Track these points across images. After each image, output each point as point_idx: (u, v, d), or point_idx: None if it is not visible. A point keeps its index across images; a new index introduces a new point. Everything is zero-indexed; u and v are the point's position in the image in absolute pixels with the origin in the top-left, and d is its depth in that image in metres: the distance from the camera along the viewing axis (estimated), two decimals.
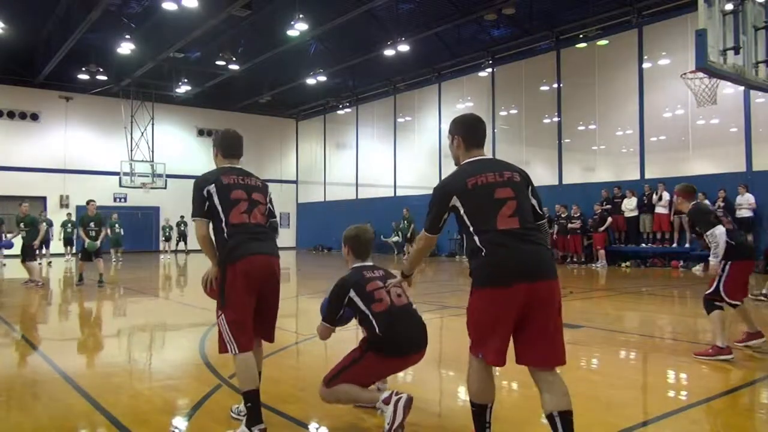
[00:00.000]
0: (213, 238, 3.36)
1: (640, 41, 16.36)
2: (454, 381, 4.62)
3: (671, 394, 4.29)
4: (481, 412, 2.82)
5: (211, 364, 4.94)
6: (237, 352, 3.17)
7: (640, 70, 16.36)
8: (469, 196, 2.76)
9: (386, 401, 3.13)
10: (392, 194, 24.50)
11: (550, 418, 2.68)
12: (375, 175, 25.72)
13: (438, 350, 5.56)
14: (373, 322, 3.32)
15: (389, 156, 24.79)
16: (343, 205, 26.85)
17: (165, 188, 24.70)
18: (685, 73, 10.77)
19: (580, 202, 16.64)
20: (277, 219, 3.64)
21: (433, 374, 4.76)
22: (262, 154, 29.73)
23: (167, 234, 23.11)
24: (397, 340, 3.28)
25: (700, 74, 8.57)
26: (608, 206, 16.07)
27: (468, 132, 2.97)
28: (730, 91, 13.00)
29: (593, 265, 15.69)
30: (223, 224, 3.30)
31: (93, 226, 11.94)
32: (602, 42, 17.64)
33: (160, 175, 24.82)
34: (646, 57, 16.37)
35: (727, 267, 5.07)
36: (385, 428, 3.06)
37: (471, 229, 2.74)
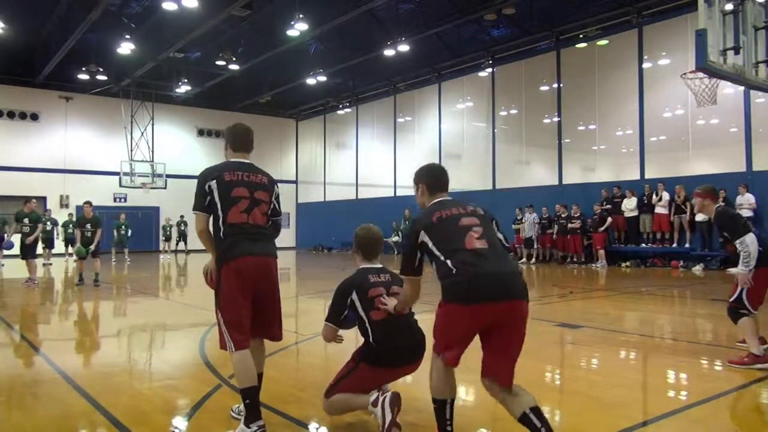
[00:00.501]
0: (212, 233, 3.35)
1: (640, 41, 16.36)
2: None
3: (671, 394, 4.29)
4: (441, 407, 2.89)
5: (211, 364, 4.94)
6: (234, 350, 3.18)
7: (640, 70, 16.36)
8: (435, 228, 2.88)
9: (374, 404, 3.15)
10: (392, 194, 24.50)
11: (523, 417, 2.75)
12: (375, 175, 25.71)
13: None
14: (369, 330, 3.34)
15: (389, 156, 24.78)
16: (343, 205, 26.85)
17: (165, 188, 24.71)
18: (685, 73, 10.78)
19: (580, 202, 16.64)
20: (281, 217, 3.58)
21: None
22: (262, 154, 29.61)
23: (167, 234, 23.12)
24: (390, 350, 3.27)
25: (700, 74, 8.58)
26: (608, 206, 16.07)
27: (431, 180, 3.18)
28: (730, 91, 12.99)
29: (593, 265, 15.69)
30: (221, 222, 3.27)
31: (89, 227, 11.96)
32: (602, 42, 17.64)
33: (160, 175, 24.82)
34: (646, 57, 16.37)
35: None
36: (380, 431, 3.07)
37: (441, 257, 2.81)
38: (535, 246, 17.92)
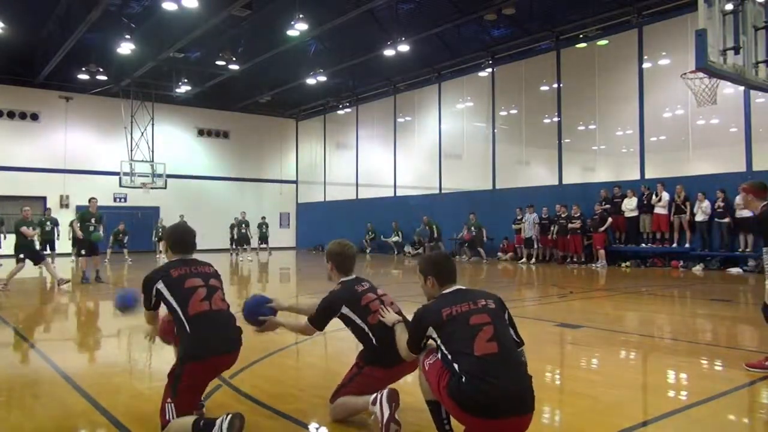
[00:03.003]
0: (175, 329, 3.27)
1: (640, 41, 16.36)
2: None
3: (671, 394, 4.29)
4: (436, 408, 2.90)
5: None
6: (174, 419, 3.07)
7: (640, 70, 16.36)
8: (444, 327, 2.80)
9: (373, 402, 3.17)
10: (392, 194, 24.49)
11: None
12: (375, 176, 25.71)
13: None
14: (369, 334, 3.43)
15: (389, 156, 24.78)
16: (343, 205, 26.86)
17: (165, 188, 24.70)
18: (685, 73, 10.77)
19: (580, 202, 16.63)
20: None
21: None
22: (262, 154, 29.75)
23: (161, 234, 23.16)
24: (393, 350, 3.29)
25: (700, 74, 8.57)
26: (608, 206, 16.06)
27: (439, 271, 3.08)
28: (730, 91, 13.00)
29: (593, 265, 15.68)
30: (182, 315, 3.17)
31: (93, 222, 12.11)
32: (602, 42, 17.65)
33: (160, 175, 24.81)
34: (646, 57, 16.37)
35: None
36: (380, 428, 3.07)
37: (448, 356, 2.74)
38: (536, 246, 17.91)
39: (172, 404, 3.08)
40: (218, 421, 2.85)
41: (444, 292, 3.00)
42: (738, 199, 13.49)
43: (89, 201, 12.51)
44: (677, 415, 3.63)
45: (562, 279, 12.95)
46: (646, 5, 16.19)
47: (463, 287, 3.04)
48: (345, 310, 3.46)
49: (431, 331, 2.83)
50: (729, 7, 5.83)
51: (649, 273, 13.98)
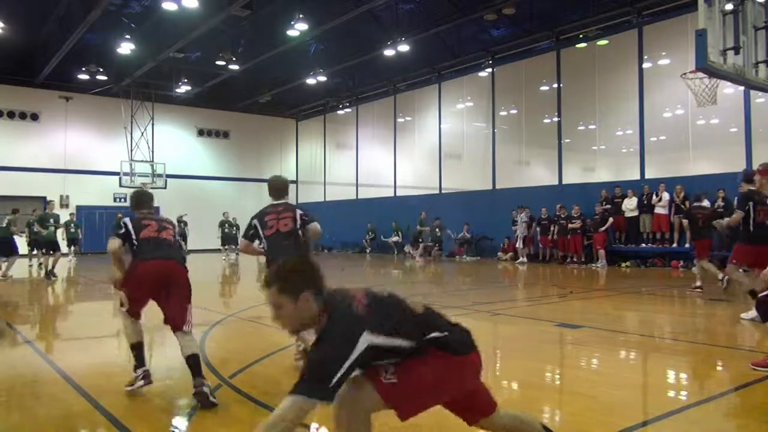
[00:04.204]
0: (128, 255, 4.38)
1: (640, 41, 16.36)
2: None
3: (671, 394, 4.29)
4: None
5: (211, 364, 4.94)
6: (125, 311, 4.27)
7: (640, 70, 16.36)
8: (383, 323, 2.25)
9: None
10: (392, 194, 24.49)
11: None
12: (375, 175, 25.71)
13: None
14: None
15: (389, 156, 24.78)
16: (343, 205, 26.85)
17: (165, 188, 24.70)
18: (685, 73, 10.77)
19: (580, 202, 16.63)
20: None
21: None
22: (262, 154, 29.74)
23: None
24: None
25: (700, 74, 8.57)
26: (608, 206, 16.06)
27: (317, 276, 2.38)
28: (730, 91, 12.99)
29: (593, 265, 15.68)
30: (134, 239, 4.32)
31: (52, 222, 13.70)
32: (602, 42, 17.65)
33: (160, 175, 24.82)
34: (646, 57, 16.37)
35: None
36: None
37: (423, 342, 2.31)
38: (521, 245, 17.98)
39: (122, 293, 4.26)
40: (141, 371, 4.18)
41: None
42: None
43: (47, 203, 14.58)
44: (677, 415, 3.63)
45: (562, 279, 12.94)
46: (646, 5, 16.19)
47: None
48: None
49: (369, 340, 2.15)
50: (729, 7, 5.84)
51: (649, 273, 13.97)
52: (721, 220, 8.10)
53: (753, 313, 6.53)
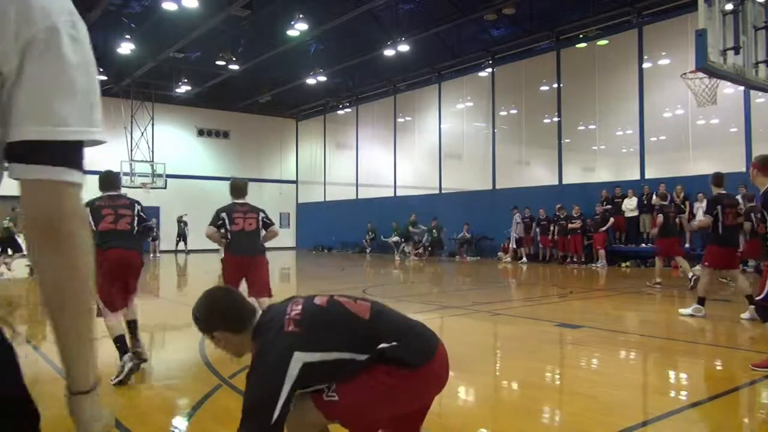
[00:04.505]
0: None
1: (640, 41, 16.36)
2: (454, 381, 4.62)
3: (671, 394, 4.29)
4: None
5: (211, 364, 4.94)
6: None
7: (640, 70, 16.36)
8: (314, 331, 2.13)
9: None
10: (392, 194, 24.49)
11: None
12: (375, 175, 25.72)
13: None
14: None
15: (389, 156, 24.78)
16: (343, 205, 26.85)
17: (165, 188, 24.70)
18: (685, 73, 10.76)
19: (580, 202, 16.63)
20: (149, 222, 5.40)
21: None
22: (261, 154, 29.74)
23: (154, 234, 23.17)
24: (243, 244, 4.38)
25: (700, 74, 8.57)
26: (608, 206, 16.07)
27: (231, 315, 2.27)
28: (730, 91, 12.99)
29: (593, 265, 15.68)
30: (94, 229, 4.68)
31: (8, 220, 14.26)
32: (602, 42, 17.65)
33: (160, 175, 24.81)
34: (646, 57, 16.37)
35: None
36: None
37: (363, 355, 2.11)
38: (512, 245, 18.18)
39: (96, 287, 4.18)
40: (126, 356, 4.42)
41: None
42: (738, 199, 13.50)
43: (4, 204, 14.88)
44: (677, 415, 3.63)
45: (562, 279, 12.94)
46: (646, 5, 16.19)
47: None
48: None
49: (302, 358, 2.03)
50: (729, 7, 5.84)
51: (649, 273, 13.93)
52: (691, 222, 8.57)
53: (689, 310, 7.16)
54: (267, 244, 5.93)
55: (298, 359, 2.02)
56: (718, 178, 7.38)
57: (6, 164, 0.96)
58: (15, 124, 0.91)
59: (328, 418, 2.16)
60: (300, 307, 2.19)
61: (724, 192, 7.27)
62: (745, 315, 6.96)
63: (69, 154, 0.94)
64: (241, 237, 5.63)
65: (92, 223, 4.72)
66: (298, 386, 2.05)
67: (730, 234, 7.04)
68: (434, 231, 20.47)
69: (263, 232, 5.80)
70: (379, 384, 2.10)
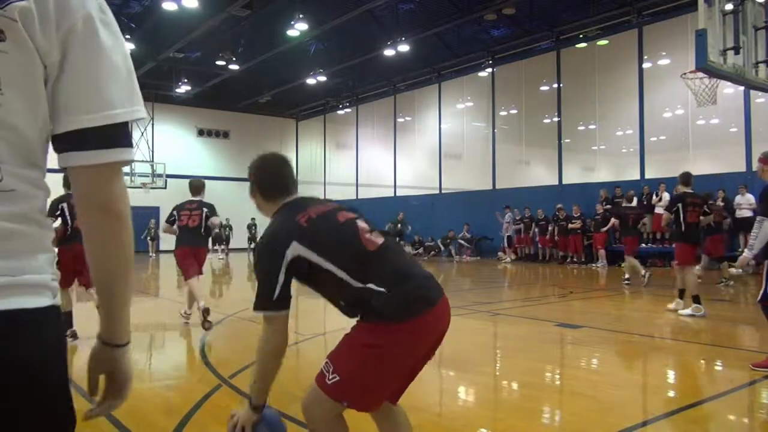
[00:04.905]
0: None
1: (640, 41, 16.36)
2: (454, 381, 4.62)
3: (671, 394, 4.29)
4: None
5: (211, 364, 4.94)
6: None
7: (640, 70, 16.36)
8: (307, 233, 2.13)
9: None
10: (392, 194, 24.50)
11: None
12: (375, 175, 25.72)
13: (438, 350, 5.56)
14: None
15: (389, 156, 24.78)
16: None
17: (165, 188, 24.69)
18: (685, 73, 10.77)
19: (580, 202, 16.64)
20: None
21: (433, 374, 4.76)
22: None
23: (153, 234, 23.19)
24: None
25: (700, 74, 8.57)
26: (609, 206, 16.06)
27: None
28: (730, 91, 13.00)
29: (593, 265, 15.68)
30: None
31: None
32: (602, 42, 17.65)
33: (160, 175, 24.82)
34: (646, 57, 16.37)
35: None
36: None
37: (337, 273, 2.09)
38: (504, 244, 18.22)
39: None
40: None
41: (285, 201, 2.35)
42: (738, 199, 13.50)
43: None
44: (677, 415, 3.63)
45: (562, 279, 12.94)
46: (646, 5, 16.19)
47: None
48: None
49: (294, 248, 2.08)
50: (729, 7, 5.84)
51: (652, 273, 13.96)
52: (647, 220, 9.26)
53: (689, 310, 7.31)
54: None
55: (294, 248, 2.10)
56: (685, 177, 7.65)
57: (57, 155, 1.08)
58: (65, 114, 0.97)
59: (337, 401, 2.11)
60: (320, 211, 2.27)
61: (690, 191, 7.50)
62: (684, 311, 7.41)
63: (120, 134, 1.01)
64: (184, 231, 6.80)
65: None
66: (293, 272, 2.11)
67: (692, 230, 7.37)
68: (398, 224, 20.45)
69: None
70: (372, 350, 2.05)
